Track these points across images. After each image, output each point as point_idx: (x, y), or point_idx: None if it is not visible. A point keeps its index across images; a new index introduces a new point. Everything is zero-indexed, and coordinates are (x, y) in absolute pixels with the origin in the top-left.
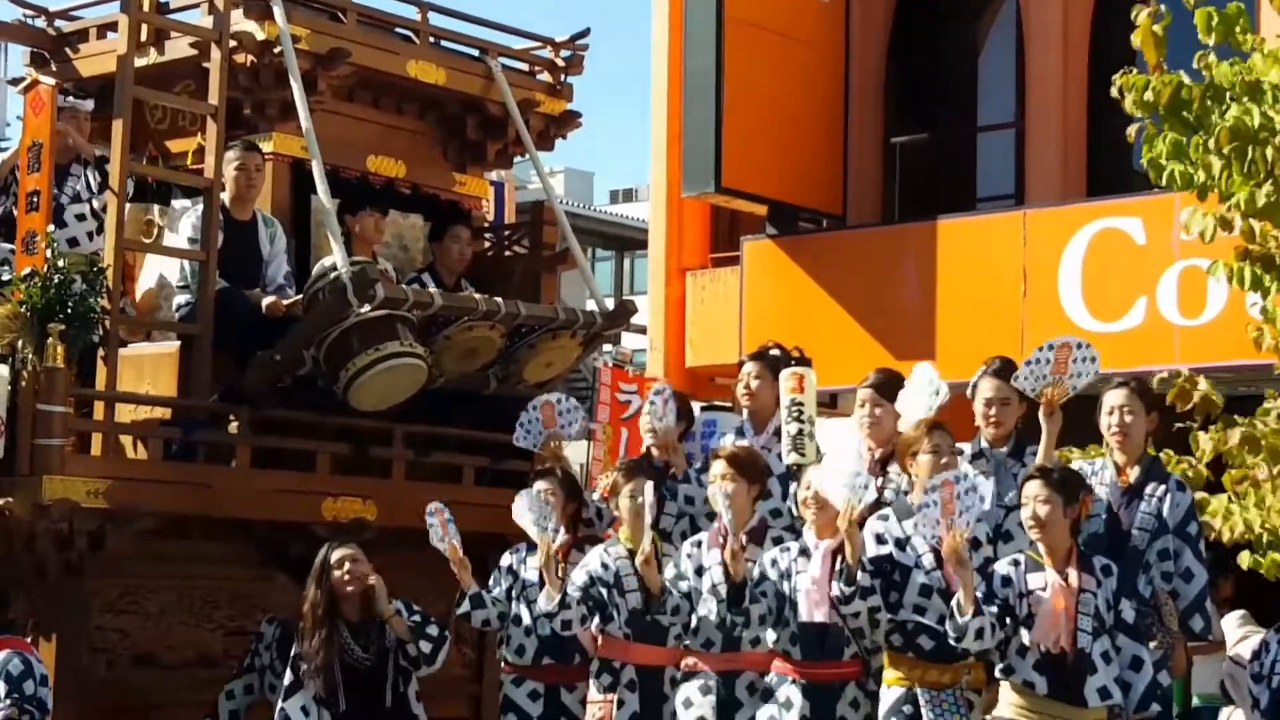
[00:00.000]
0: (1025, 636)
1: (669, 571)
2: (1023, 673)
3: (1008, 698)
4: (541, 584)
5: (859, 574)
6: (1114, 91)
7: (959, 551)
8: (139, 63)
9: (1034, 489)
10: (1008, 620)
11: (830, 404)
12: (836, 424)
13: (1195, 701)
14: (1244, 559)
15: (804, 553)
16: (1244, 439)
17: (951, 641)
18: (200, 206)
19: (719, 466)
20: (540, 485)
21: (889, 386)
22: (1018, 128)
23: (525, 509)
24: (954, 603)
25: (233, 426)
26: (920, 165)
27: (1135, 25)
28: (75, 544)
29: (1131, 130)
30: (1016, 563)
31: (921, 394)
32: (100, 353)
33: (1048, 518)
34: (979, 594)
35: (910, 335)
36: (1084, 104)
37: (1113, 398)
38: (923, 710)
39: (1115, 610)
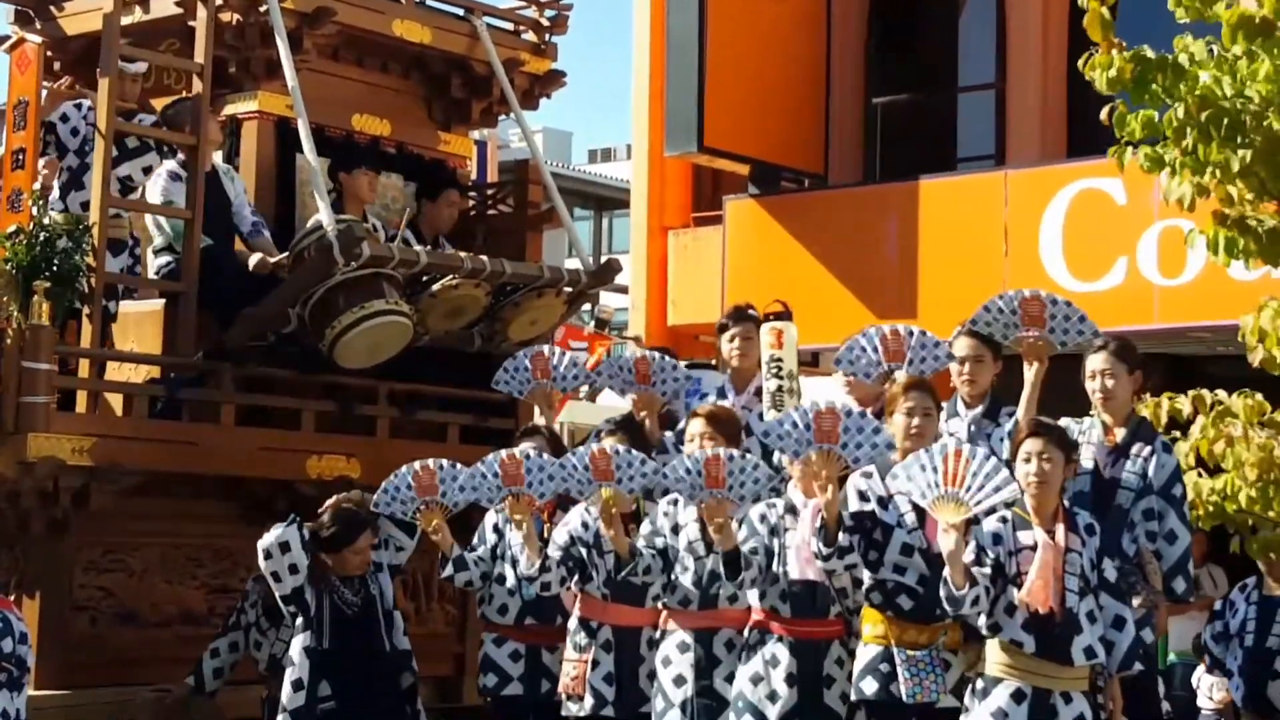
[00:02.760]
0: (1014, 595)
1: (644, 528)
2: (1010, 632)
3: (993, 656)
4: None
5: (839, 534)
6: (1085, 73)
7: (959, 529)
8: (124, 20)
9: (1038, 445)
10: (997, 580)
11: (812, 362)
12: (817, 382)
13: (1171, 658)
14: (1233, 545)
15: (790, 509)
16: (1195, 400)
17: (946, 610)
18: (166, 166)
19: (698, 425)
20: (526, 445)
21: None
22: (998, 89)
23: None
24: (945, 575)
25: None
26: (901, 125)
27: None
28: (59, 501)
29: (1104, 114)
30: (1004, 519)
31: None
32: (85, 311)
33: (1050, 475)
34: (969, 557)
35: (892, 294)
36: (1064, 65)
37: (1094, 361)
38: (898, 669)
39: (1098, 570)
